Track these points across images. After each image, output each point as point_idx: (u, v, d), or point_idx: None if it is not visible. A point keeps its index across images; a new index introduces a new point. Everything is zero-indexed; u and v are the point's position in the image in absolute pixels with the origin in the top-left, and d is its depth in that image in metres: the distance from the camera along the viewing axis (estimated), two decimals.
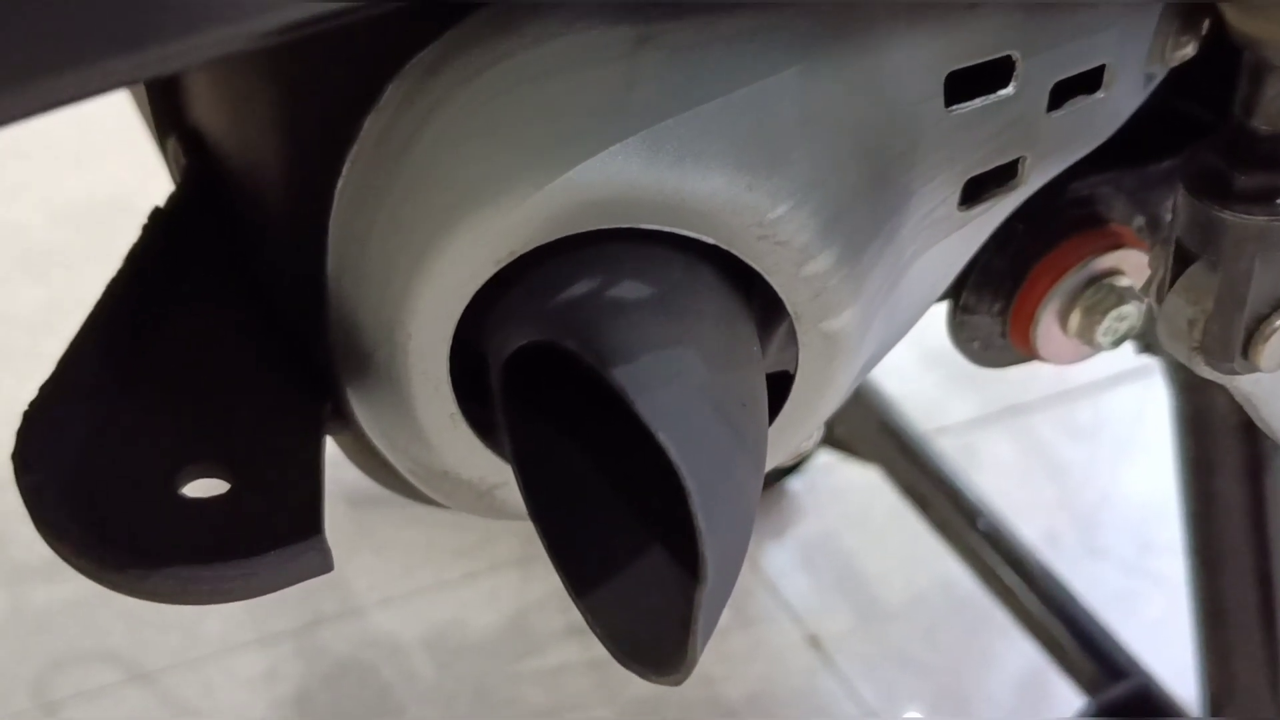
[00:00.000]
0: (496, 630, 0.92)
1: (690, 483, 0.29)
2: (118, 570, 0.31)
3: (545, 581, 0.96)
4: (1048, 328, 0.45)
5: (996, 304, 0.45)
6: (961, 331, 0.46)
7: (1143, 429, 1.15)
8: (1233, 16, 0.29)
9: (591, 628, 0.33)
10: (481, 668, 0.89)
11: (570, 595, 0.34)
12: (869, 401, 0.89)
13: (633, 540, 0.34)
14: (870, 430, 0.89)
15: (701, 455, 0.29)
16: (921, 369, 1.16)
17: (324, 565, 0.33)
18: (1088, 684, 0.77)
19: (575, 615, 1.04)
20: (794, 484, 1.06)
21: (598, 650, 1.06)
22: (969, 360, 0.47)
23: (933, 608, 1.00)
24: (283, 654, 0.88)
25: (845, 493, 1.07)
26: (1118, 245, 0.44)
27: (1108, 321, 0.44)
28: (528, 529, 1.07)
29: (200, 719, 0.84)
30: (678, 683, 0.31)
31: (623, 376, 0.29)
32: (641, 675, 0.32)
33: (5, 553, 0.92)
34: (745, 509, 0.31)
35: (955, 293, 0.45)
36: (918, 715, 0.93)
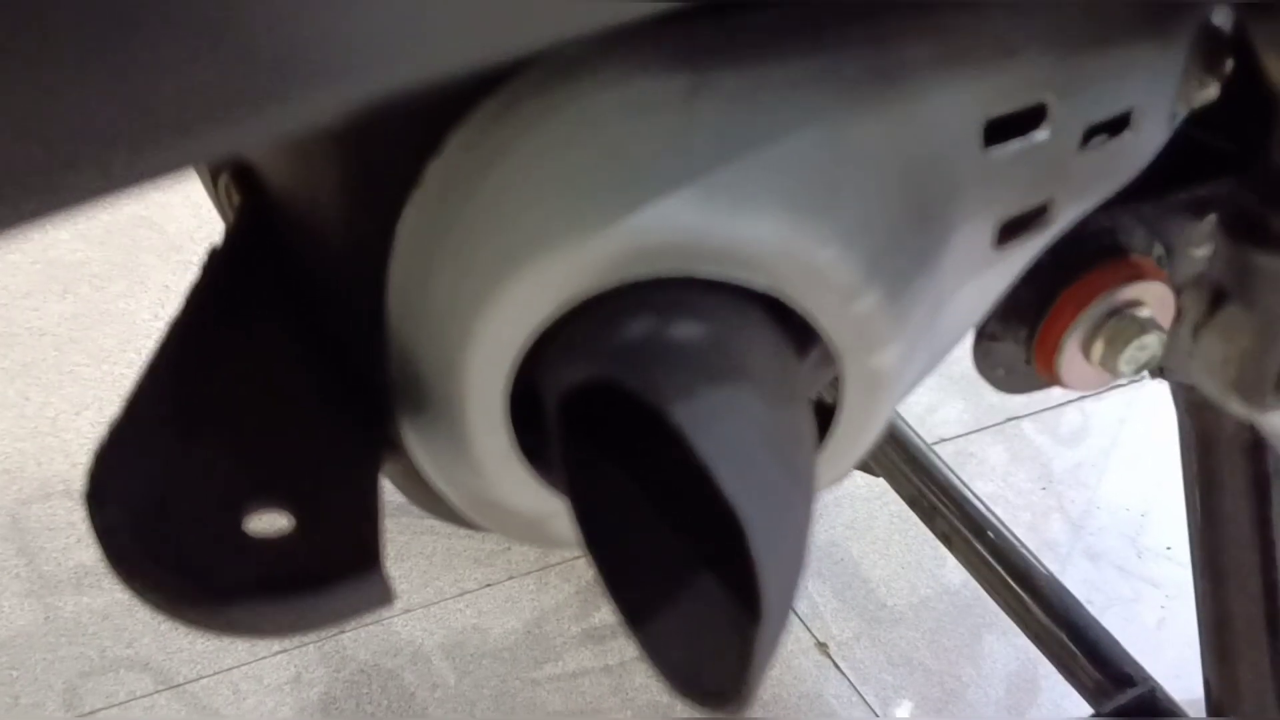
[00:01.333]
0: (515, 637, 0.93)
1: (747, 521, 0.30)
2: (193, 606, 0.31)
3: (561, 589, 0.97)
4: (1071, 356, 0.46)
5: (1022, 332, 0.46)
6: (986, 359, 0.47)
7: (1129, 436, 1.17)
8: (1273, 68, 0.31)
9: (648, 660, 0.34)
10: (501, 673, 0.91)
11: (625, 627, 0.35)
12: None
13: (687, 573, 0.35)
14: (878, 443, 0.90)
15: (757, 493, 0.30)
16: None
17: (384, 598, 0.33)
18: (1094, 692, 0.79)
19: (590, 622, 1.05)
20: None
21: (613, 656, 1.08)
22: (992, 386, 0.49)
23: (935, 613, 1.01)
24: (308, 661, 0.89)
25: (849, 503, 1.08)
26: (1139, 276, 0.45)
27: (1130, 351, 0.45)
28: None
29: None
30: (735, 714, 0.33)
31: (681, 415, 0.30)
32: (699, 707, 0.33)
33: (35, 565, 0.94)
34: (799, 544, 0.33)
35: (981, 323, 0.46)
36: (906, 716, 0.95)
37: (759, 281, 0.33)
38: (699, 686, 0.33)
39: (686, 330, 0.33)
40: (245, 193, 0.41)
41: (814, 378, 0.37)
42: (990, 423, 1.18)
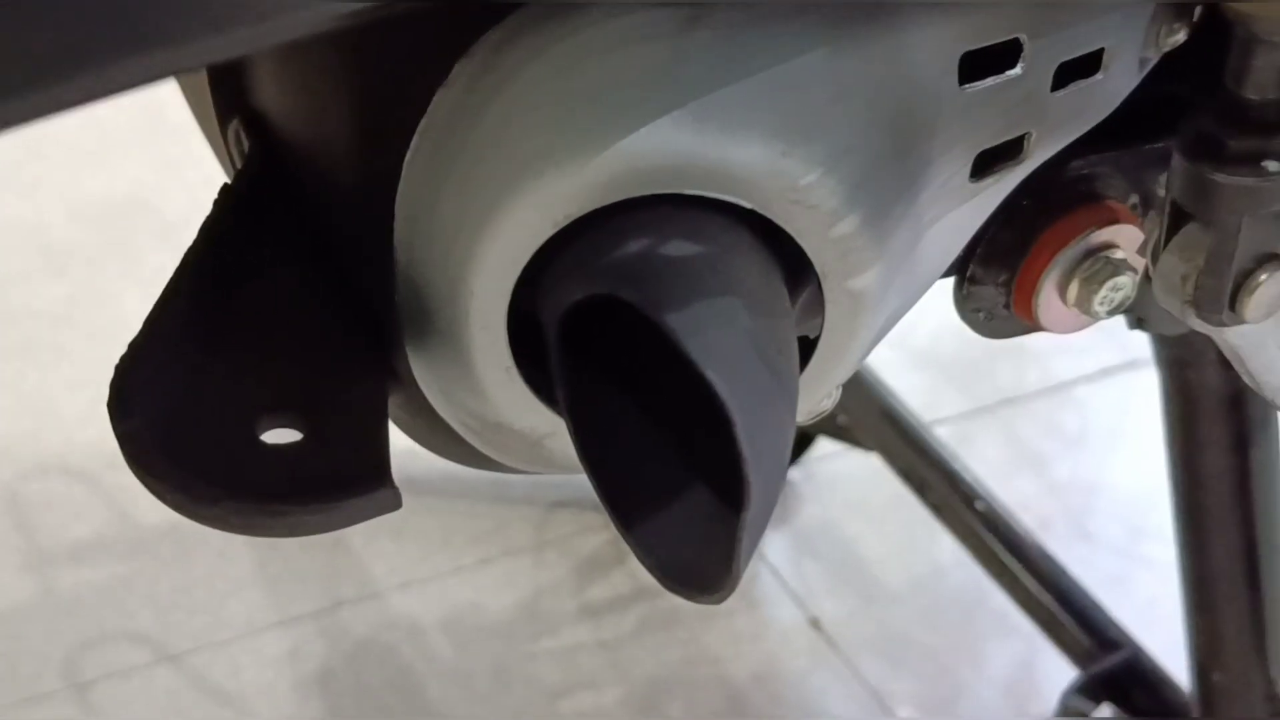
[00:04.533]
0: (511, 612, 0.94)
1: (735, 416, 0.32)
2: (211, 505, 0.33)
3: (557, 566, 0.98)
4: (1049, 297, 0.48)
5: (1002, 275, 0.48)
6: (968, 303, 0.49)
7: (1129, 421, 1.19)
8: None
9: (639, 558, 0.36)
10: (498, 648, 0.92)
11: (618, 529, 0.36)
12: (868, 390, 0.92)
13: (675, 479, 0.36)
14: (870, 417, 0.92)
15: (745, 392, 0.32)
16: (911, 369, 1.19)
17: (393, 504, 0.35)
18: (1081, 657, 0.80)
19: (587, 598, 1.07)
20: (794, 474, 1.08)
21: (609, 631, 1.09)
22: (974, 330, 0.50)
23: (930, 591, 1.03)
24: (306, 635, 0.90)
25: (844, 482, 1.09)
26: (1114, 220, 0.47)
27: (1104, 291, 0.47)
28: (539, 516, 1.09)
29: (227, 697, 0.87)
30: (720, 601, 0.34)
31: (674, 322, 0.32)
32: (686, 597, 0.35)
33: (33, 539, 0.95)
34: (782, 445, 0.34)
35: (962, 266, 0.48)
36: (898, 691, 0.96)
37: (745, 202, 0.35)
38: (686, 580, 0.35)
39: (678, 246, 0.34)
40: (255, 137, 0.43)
41: (807, 316, 0.39)
42: (985, 405, 1.19)
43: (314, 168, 0.40)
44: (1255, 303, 0.35)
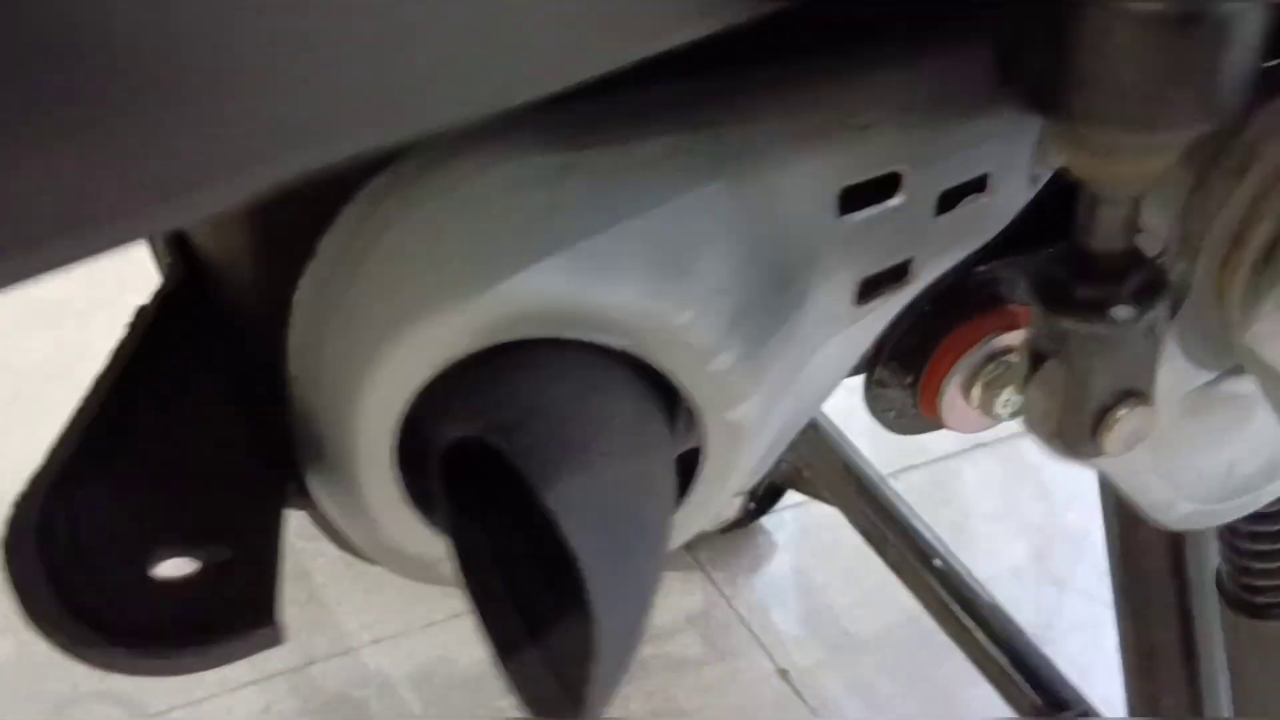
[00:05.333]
0: (482, 666, 0.95)
1: (586, 571, 0.33)
2: (91, 649, 0.34)
3: None
4: (952, 400, 0.49)
5: (907, 378, 0.49)
6: (877, 403, 0.50)
7: None
8: (1070, 160, 0.34)
9: (510, 689, 0.37)
10: (467, 703, 0.93)
11: (494, 659, 0.38)
12: (829, 445, 0.93)
13: (553, 608, 0.38)
14: (831, 473, 0.93)
15: (600, 545, 0.33)
16: None
17: (276, 640, 0.36)
18: (1033, 715, 0.81)
19: None
20: (765, 523, 1.10)
21: None
22: (885, 427, 0.52)
23: (898, 640, 1.03)
24: (278, 693, 0.92)
25: (814, 530, 1.11)
26: (1015, 325, 0.48)
27: (1005, 394, 0.48)
28: None
29: None
30: None
31: (535, 474, 0.33)
32: None
33: (8, 601, 0.97)
34: (641, 590, 0.35)
35: (870, 368, 0.49)
36: None
37: (620, 342, 0.36)
38: (550, 713, 0.36)
39: (551, 391, 0.36)
40: (175, 252, 0.44)
41: (682, 430, 0.40)
42: (979, 440, 1.20)
43: (223, 292, 0.42)
44: (1115, 437, 0.36)
